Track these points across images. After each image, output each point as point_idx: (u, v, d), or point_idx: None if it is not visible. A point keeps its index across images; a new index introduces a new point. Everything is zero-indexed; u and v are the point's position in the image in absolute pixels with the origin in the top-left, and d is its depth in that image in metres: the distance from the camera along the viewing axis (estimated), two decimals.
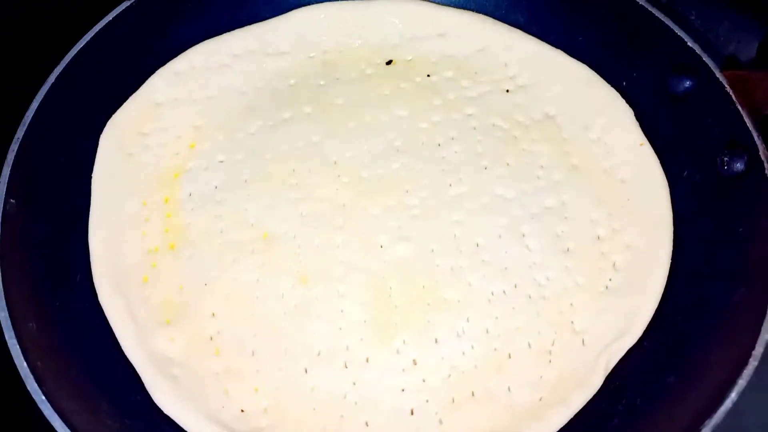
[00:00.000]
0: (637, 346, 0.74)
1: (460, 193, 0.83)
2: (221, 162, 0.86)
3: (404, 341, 0.74)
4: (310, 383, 0.72)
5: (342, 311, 0.75)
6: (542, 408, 0.70)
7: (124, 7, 0.85)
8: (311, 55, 0.94)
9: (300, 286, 0.77)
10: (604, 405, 0.71)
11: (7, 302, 0.66)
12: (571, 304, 0.76)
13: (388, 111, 0.89)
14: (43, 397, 0.62)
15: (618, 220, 0.81)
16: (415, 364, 0.73)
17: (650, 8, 0.84)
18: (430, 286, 0.77)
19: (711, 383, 0.65)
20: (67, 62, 0.80)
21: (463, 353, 0.73)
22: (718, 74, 0.78)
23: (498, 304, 0.76)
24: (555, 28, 0.94)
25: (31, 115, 0.76)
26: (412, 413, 0.71)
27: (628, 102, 0.88)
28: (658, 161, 0.84)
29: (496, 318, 0.75)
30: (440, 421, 0.70)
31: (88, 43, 0.82)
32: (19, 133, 0.75)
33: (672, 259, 0.78)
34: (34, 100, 0.77)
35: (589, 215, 0.81)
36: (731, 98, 0.76)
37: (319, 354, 0.73)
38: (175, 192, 0.83)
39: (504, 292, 0.77)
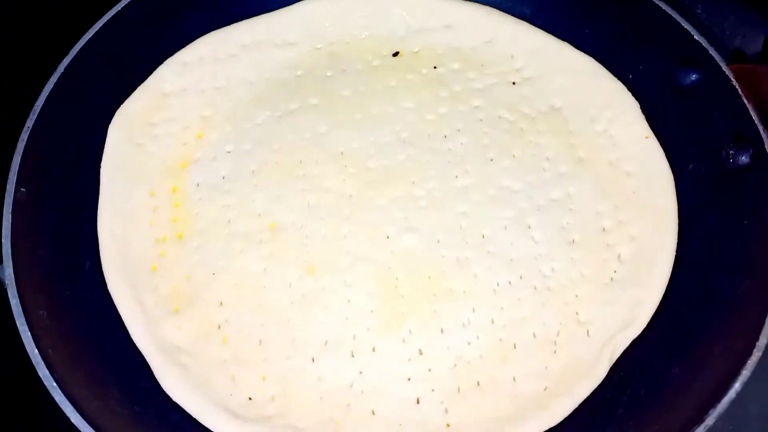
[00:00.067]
0: (642, 337, 0.74)
1: (466, 185, 0.83)
2: (229, 152, 0.86)
3: (410, 331, 0.75)
4: (317, 372, 0.73)
5: (349, 301, 0.76)
6: (547, 398, 0.71)
7: None
8: (318, 46, 0.94)
9: (307, 276, 0.77)
10: (609, 395, 0.72)
11: (18, 290, 0.66)
12: (576, 296, 0.76)
13: (394, 102, 0.89)
14: (55, 384, 0.63)
15: (623, 212, 0.81)
16: (421, 353, 0.74)
17: (657, 1, 0.84)
18: (436, 277, 0.77)
19: (715, 374, 0.66)
20: (76, 52, 0.80)
21: (469, 343, 0.74)
22: (724, 68, 0.78)
23: (503, 294, 0.76)
24: (561, 20, 0.94)
25: (41, 104, 0.76)
26: (418, 402, 0.72)
27: (634, 95, 0.88)
28: (664, 154, 0.84)
29: (502, 308, 0.76)
30: (446, 410, 0.71)
31: (97, 33, 0.82)
32: (29, 123, 0.75)
33: (677, 251, 0.78)
34: (44, 90, 0.77)
35: (594, 207, 0.82)
36: (737, 92, 0.76)
37: (326, 343, 0.74)
38: (183, 182, 0.84)
39: (509, 283, 0.77)
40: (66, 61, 0.80)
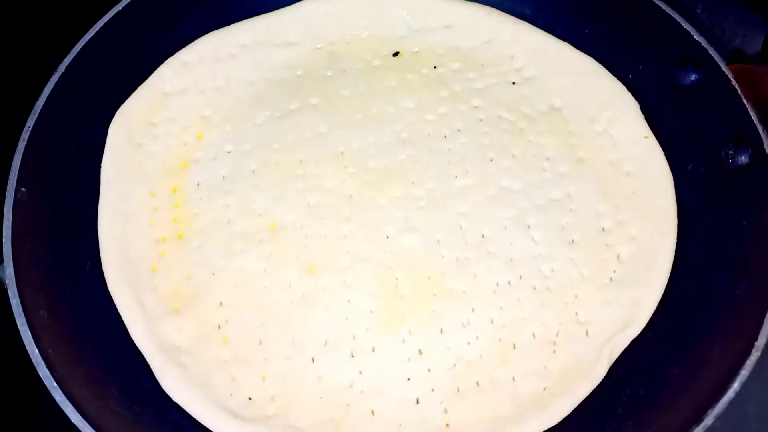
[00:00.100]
0: (641, 337, 0.74)
1: (466, 185, 0.83)
2: (229, 152, 0.86)
3: (410, 331, 0.75)
4: (317, 372, 0.73)
5: (349, 301, 0.76)
6: (547, 397, 0.71)
7: None
8: (318, 46, 0.94)
9: (307, 276, 0.77)
10: (608, 395, 0.72)
11: (18, 290, 0.66)
12: (576, 296, 0.77)
13: (394, 102, 0.89)
14: (55, 384, 0.63)
15: (623, 212, 0.81)
16: (421, 353, 0.74)
17: (657, 1, 0.84)
18: (436, 277, 0.77)
19: (714, 374, 0.66)
20: (76, 52, 0.80)
21: (469, 343, 0.74)
22: (723, 68, 0.78)
23: (503, 294, 0.77)
24: (561, 20, 0.94)
25: (41, 104, 0.76)
26: (417, 402, 0.72)
27: (634, 95, 0.88)
28: (664, 154, 0.84)
29: (501, 309, 0.76)
30: (445, 410, 0.71)
31: (97, 32, 0.82)
32: (30, 123, 0.75)
33: (676, 251, 0.78)
34: (44, 89, 0.77)
35: (594, 207, 0.82)
36: (737, 92, 0.76)
37: (326, 343, 0.74)
38: (183, 182, 0.84)
39: (509, 283, 0.77)
40: (66, 60, 0.80)
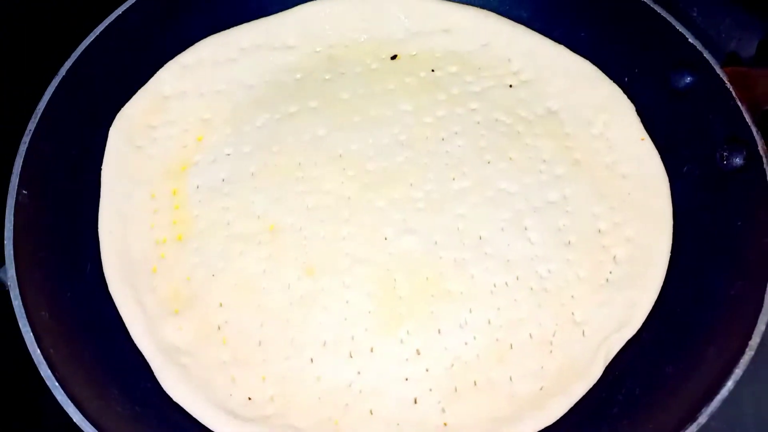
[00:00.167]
0: (637, 337, 0.75)
1: (463, 187, 0.84)
2: (228, 155, 0.87)
3: (408, 332, 0.75)
4: (316, 372, 0.73)
5: (347, 302, 0.77)
6: (543, 397, 0.72)
7: (133, 2, 0.86)
8: (317, 49, 0.95)
9: (306, 278, 0.78)
10: (604, 395, 0.72)
11: (20, 291, 0.67)
12: (572, 296, 0.77)
13: (392, 105, 0.90)
14: (57, 384, 0.63)
15: (619, 214, 0.82)
16: (419, 354, 0.74)
17: (652, 5, 0.85)
18: (434, 278, 0.78)
19: (708, 373, 0.66)
20: (77, 55, 0.81)
21: (466, 344, 0.75)
22: (718, 70, 0.79)
23: (500, 295, 0.77)
24: (558, 24, 0.94)
25: (43, 107, 0.77)
26: (415, 402, 0.72)
27: (629, 97, 0.89)
28: (659, 156, 0.85)
29: (499, 309, 0.76)
30: (443, 410, 0.72)
31: (98, 36, 0.83)
32: (31, 126, 0.76)
33: (672, 252, 0.79)
34: (45, 93, 0.78)
35: (590, 209, 0.82)
36: (731, 94, 0.77)
37: (324, 344, 0.75)
38: (182, 184, 0.85)
39: (506, 284, 0.78)
40: (67, 64, 0.81)
